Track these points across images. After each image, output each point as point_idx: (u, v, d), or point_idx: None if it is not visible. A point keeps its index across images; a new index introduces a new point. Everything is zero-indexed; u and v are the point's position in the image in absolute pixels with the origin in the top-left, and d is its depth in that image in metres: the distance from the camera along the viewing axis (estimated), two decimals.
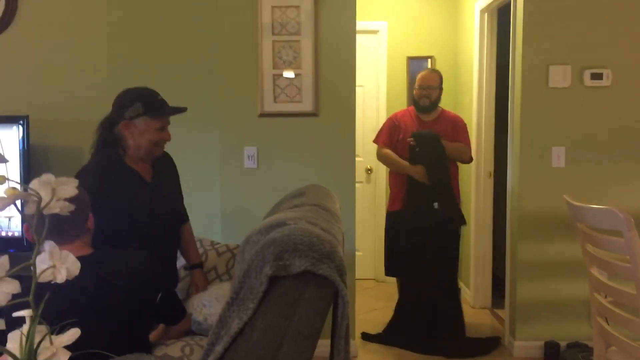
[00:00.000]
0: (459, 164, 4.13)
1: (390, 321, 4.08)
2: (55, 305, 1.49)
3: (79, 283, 1.67)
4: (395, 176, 4.16)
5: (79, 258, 1.77)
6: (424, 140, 3.89)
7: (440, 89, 4.09)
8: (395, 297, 4.35)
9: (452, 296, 3.97)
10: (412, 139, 3.90)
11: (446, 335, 3.83)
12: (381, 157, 4.17)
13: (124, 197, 2.19)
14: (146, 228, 2.18)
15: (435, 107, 4.07)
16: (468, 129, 4.15)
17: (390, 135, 4.10)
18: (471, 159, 4.16)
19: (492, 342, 3.81)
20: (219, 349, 1.39)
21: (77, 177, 2.21)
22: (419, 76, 4.14)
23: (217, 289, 2.26)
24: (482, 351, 3.73)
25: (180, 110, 2.33)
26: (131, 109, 2.23)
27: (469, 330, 4.03)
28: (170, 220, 2.44)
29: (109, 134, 2.28)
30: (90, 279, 1.74)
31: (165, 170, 2.46)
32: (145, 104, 2.24)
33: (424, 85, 4.04)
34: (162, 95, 2.33)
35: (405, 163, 3.97)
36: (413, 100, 4.14)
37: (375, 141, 4.20)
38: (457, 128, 4.05)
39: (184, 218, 2.58)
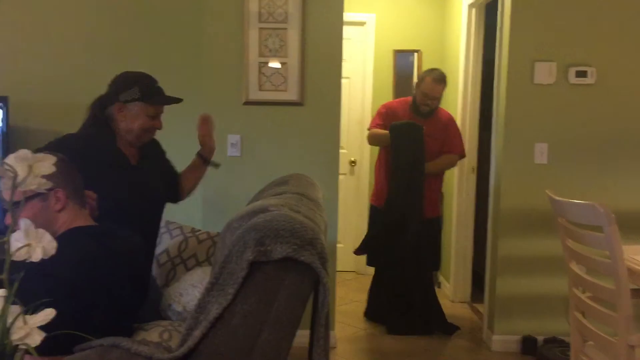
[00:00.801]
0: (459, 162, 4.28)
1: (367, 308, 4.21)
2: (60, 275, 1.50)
3: (88, 252, 1.73)
4: (380, 169, 4.17)
5: (88, 227, 1.84)
6: (401, 131, 3.91)
7: (441, 97, 4.09)
8: None
9: (426, 282, 4.06)
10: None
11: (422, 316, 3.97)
12: (369, 138, 4.20)
13: (106, 178, 2.16)
14: (127, 210, 2.15)
15: (432, 114, 4.07)
16: (461, 136, 4.21)
17: (383, 120, 4.08)
18: (462, 157, 4.21)
19: (452, 327, 3.97)
20: (197, 333, 1.37)
21: (62, 140, 2.24)
22: (427, 82, 4.01)
23: (192, 275, 2.23)
24: (445, 330, 3.92)
25: (176, 100, 2.31)
26: (127, 92, 2.22)
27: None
28: (153, 204, 2.43)
29: (100, 113, 2.27)
30: (98, 250, 1.76)
31: (151, 154, 2.44)
32: (142, 89, 2.23)
33: (430, 96, 3.99)
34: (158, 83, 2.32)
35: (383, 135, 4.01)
36: (413, 102, 4.06)
37: (368, 127, 4.22)
38: (449, 131, 4.08)
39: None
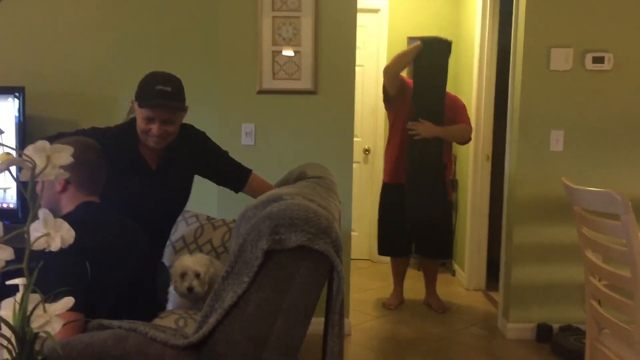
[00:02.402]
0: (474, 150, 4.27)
1: None
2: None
3: (103, 220, 1.85)
4: (391, 147, 4.14)
5: (97, 203, 1.93)
6: (432, 47, 3.88)
7: None
8: (389, 277, 4.38)
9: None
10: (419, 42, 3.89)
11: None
12: (389, 68, 4.00)
13: (122, 181, 2.16)
14: (138, 213, 2.11)
15: None
16: (467, 112, 4.15)
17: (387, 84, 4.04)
18: (470, 139, 4.18)
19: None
20: (211, 320, 1.39)
21: (86, 133, 2.24)
22: None
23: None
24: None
25: (171, 107, 2.18)
26: (136, 92, 2.21)
27: (461, 311, 4.13)
28: (167, 209, 2.41)
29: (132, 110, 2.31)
30: (109, 218, 1.90)
31: (179, 157, 2.37)
32: (139, 89, 2.20)
33: None
34: (174, 86, 2.20)
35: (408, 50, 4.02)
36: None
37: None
38: (457, 108, 4.05)
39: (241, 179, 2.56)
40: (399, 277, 4.27)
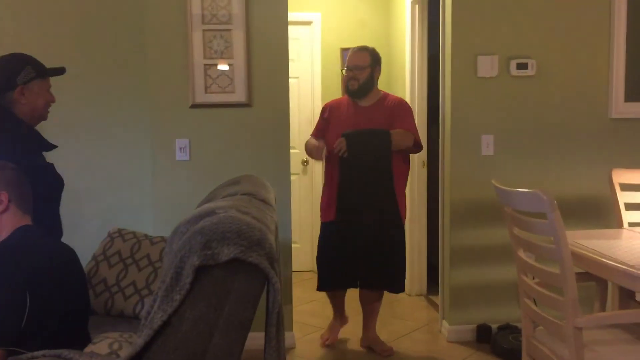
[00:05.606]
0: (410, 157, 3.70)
1: None
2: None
3: (44, 250, 1.80)
4: (329, 181, 3.65)
5: (35, 227, 1.89)
6: (354, 140, 3.39)
7: (372, 67, 3.54)
8: None
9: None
10: (341, 140, 3.38)
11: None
12: (305, 148, 3.76)
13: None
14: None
15: (366, 90, 3.53)
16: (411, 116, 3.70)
17: (318, 126, 3.74)
18: (420, 147, 3.63)
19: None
20: (139, 341, 1.34)
21: None
22: (347, 57, 3.64)
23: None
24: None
25: (62, 70, 2.41)
26: (23, 74, 2.25)
27: (404, 317, 4.15)
28: None
29: None
30: (51, 247, 1.87)
31: None
32: (34, 67, 2.29)
33: (351, 67, 3.53)
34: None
35: (317, 143, 3.62)
36: (345, 86, 3.64)
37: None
38: (397, 112, 3.52)
39: None
40: (338, 307, 3.78)
